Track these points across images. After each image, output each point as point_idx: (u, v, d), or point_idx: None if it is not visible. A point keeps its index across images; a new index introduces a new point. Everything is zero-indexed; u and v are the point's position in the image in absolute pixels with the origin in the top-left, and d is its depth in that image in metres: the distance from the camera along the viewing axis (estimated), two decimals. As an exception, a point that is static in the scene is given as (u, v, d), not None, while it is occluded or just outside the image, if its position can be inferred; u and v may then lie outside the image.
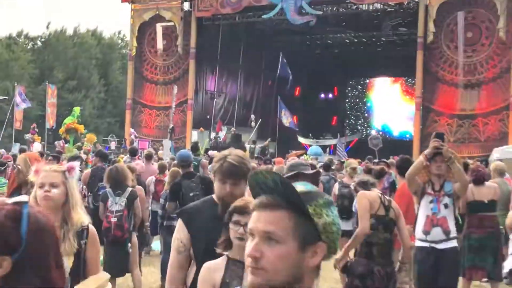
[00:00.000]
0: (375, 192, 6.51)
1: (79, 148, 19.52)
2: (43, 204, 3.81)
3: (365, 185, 6.66)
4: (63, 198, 3.90)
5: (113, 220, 8.31)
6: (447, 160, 6.62)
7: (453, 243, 6.83)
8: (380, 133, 38.43)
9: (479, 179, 8.84)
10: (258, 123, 33.36)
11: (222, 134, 33.42)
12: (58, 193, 3.89)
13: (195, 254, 3.86)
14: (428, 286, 6.83)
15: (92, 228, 4.04)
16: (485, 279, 9.18)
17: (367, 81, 46.97)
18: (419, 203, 6.95)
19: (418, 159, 6.76)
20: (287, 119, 32.91)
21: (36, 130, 27.76)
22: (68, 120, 21.10)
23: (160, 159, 18.04)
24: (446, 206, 6.79)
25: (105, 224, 8.30)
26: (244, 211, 3.26)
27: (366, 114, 46.67)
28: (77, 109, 22.52)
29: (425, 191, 6.85)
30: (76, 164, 4.14)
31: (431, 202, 6.81)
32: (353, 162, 14.01)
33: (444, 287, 6.81)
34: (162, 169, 12.71)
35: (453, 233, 6.83)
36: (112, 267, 8.27)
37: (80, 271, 3.89)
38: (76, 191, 4.03)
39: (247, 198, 3.45)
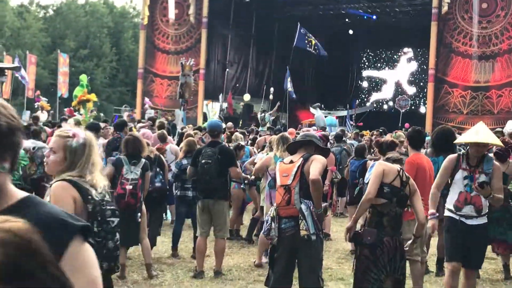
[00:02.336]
0: (395, 165, 6.48)
1: (98, 118, 19.39)
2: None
3: (387, 161, 6.63)
4: (59, 164, 4.00)
5: (128, 187, 8.22)
6: (486, 197, 6.56)
7: (483, 220, 6.67)
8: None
9: (503, 159, 8.49)
10: (271, 93, 33.19)
11: (224, 105, 33.42)
12: (53, 160, 4.03)
13: None
14: (457, 251, 6.75)
15: (55, 185, 3.98)
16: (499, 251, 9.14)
17: (381, 52, 46.66)
18: (452, 177, 6.80)
19: None
20: (291, 87, 32.47)
21: (41, 97, 27.69)
22: (78, 92, 20.62)
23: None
24: (481, 184, 6.48)
25: (119, 191, 8.12)
26: None
27: (378, 86, 46.44)
28: (83, 78, 21.67)
29: (459, 166, 6.72)
30: (81, 132, 4.11)
31: (465, 178, 6.64)
32: (402, 134, 13.94)
33: (473, 260, 6.80)
34: (162, 138, 12.66)
35: (485, 210, 6.66)
36: (124, 237, 8.25)
37: None
38: (76, 155, 4.01)
39: None
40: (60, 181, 3.98)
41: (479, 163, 6.59)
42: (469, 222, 6.59)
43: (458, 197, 6.63)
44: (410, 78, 43.79)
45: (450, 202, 6.74)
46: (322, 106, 40.27)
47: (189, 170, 9.00)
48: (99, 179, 4.10)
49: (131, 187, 8.25)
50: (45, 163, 4.13)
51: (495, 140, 6.93)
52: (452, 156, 6.87)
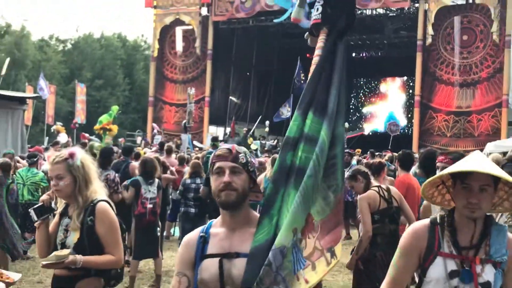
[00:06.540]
0: (372, 190, 6.27)
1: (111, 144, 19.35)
2: (57, 195, 3.88)
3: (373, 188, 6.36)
4: (71, 186, 3.83)
5: (149, 206, 8.39)
6: None
7: None
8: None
9: None
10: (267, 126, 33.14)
11: (228, 130, 33.88)
12: (65, 184, 3.83)
13: None
14: None
15: (101, 205, 3.85)
16: None
17: (370, 80, 46.76)
18: (423, 272, 2.84)
19: None
20: (287, 111, 32.47)
21: (56, 122, 27.70)
22: (105, 120, 20.54)
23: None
24: (487, 286, 2.70)
25: (140, 210, 8.32)
26: None
27: (367, 112, 46.43)
28: (115, 109, 21.52)
29: (435, 247, 2.81)
30: (76, 149, 3.95)
31: (452, 275, 2.74)
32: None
33: None
34: (181, 161, 12.73)
35: None
36: (144, 250, 8.47)
37: (86, 246, 3.75)
38: (85, 171, 3.88)
39: None
40: (102, 201, 3.89)
41: (480, 239, 2.78)
42: None
43: None
44: (402, 107, 43.79)
45: None
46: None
47: (203, 190, 9.21)
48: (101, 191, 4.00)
49: (151, 206, 8.44)
50: (56, 192, 3.87)
51: (504, 175, 2.72)
52: (418, 225, 2.94)
